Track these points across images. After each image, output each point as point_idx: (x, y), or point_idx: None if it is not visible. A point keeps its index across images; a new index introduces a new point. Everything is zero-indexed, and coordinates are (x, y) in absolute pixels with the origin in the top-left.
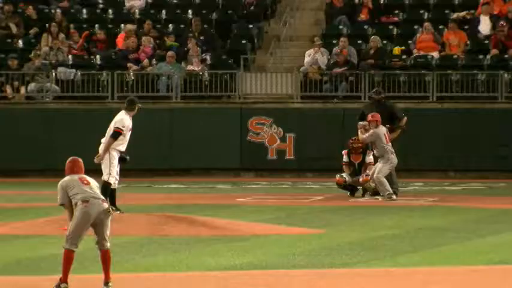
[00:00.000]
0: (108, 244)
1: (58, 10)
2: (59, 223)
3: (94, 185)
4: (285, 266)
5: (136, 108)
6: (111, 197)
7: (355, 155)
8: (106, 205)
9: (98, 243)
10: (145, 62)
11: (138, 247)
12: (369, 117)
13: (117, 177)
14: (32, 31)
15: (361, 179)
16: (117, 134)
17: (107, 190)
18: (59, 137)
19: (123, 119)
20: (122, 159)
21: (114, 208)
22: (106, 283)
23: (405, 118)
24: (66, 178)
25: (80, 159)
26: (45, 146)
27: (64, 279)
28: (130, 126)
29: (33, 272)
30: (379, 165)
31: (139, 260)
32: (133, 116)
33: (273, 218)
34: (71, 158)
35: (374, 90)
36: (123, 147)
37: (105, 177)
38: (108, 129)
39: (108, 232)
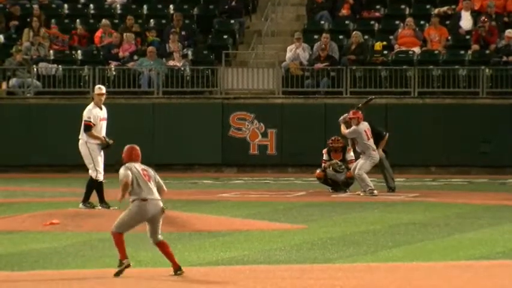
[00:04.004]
0: (160, 236)
1: (35, 6)
2: (41, 218)
3: (153, 178)
4: (267, 262)
5: (97, 95)
6: (98, 192)
7: (335, 153)
8: (161, 204)
9: (151, 236)
10: (126, 55)
11: None
12: (350, 114)
13: (101, 171)
14: (12, 23)
15: (342, 177)
16: (87, 127)
17: (93, 187)
18: (40, 132)
19: (90, 110)
20: (105, 147)
21: (105, 204)
22: (175, 270)
23: (387, 135)
24: (130, 165)
25: (137, 147)
26: (26, 142)
27: (123, 256)
28: (102, 116)
29: (15, 267)
30: (360, 161)
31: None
32: (116, 110)
33: (255, 213)
34: (128, 145)
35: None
36: (98, 140)
37: (92, 174)
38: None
39: (160, 226)
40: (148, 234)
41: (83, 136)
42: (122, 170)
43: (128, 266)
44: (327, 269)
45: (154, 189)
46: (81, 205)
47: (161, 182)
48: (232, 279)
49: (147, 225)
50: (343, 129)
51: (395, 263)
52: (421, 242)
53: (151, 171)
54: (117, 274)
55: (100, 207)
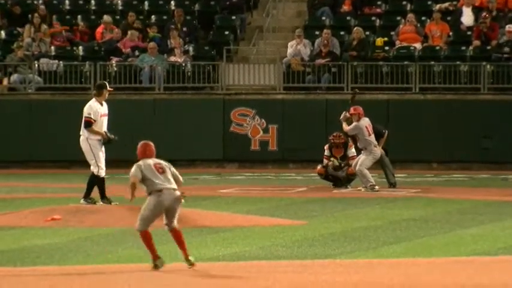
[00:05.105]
0: (176, 224)
1: (42, 6)
2: (42, 214)
3: (167, 170)
4: (268, 257)
5: (104, 92)
6: (100, 188)
7: (337, 149)
8: (178, 193)
9: (166, 224)
10: (128, 51)
11: (121, 238)
12: (351, 110)
13: (103, 167)
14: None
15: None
16: (87, 123)
17: (94, 183)
18: (41, 128)
19: (90, 106)
20: (107, 142)
21: (106, 200)
22: (186, 259)
23: (386, 133)
24: (143, 162)
25: (151, 144)
26: (27, 137)
27: (155, 256)
28: (102, 112)
29: (17, 263)
30: (362, 157)
31: (122, 251)
32: (117, 106)
33: (256, 209)
34: (142, 142)
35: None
36: (99, 136)
37: (94, 170)
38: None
39: (176, 215)
40: (164, 221)
41: (84, 132)
42: (132, 169)
43: (162, 265)
44: (328, 265)
45: (171, 179)
46: (82, 201)
47: (177, 173)
48: (234, 275)
49: (164, 213)
50: (345, 126)
51: (397, 259)
52: (422, 238)
53: (165, 164)
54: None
55: (101, 203)
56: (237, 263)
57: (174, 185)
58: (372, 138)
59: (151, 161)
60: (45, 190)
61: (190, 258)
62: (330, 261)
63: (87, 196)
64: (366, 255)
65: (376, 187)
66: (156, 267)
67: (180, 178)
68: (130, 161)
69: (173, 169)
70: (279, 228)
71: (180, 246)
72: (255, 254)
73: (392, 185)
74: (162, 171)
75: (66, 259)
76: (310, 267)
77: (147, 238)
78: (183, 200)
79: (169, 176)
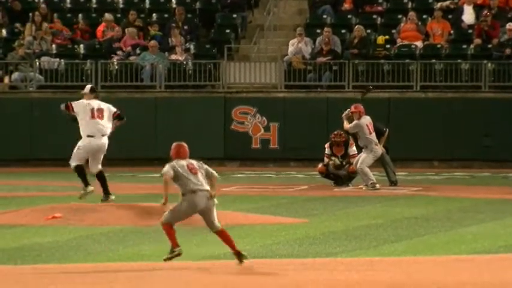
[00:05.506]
0: (218, 224)
1: (43, 5)
2: (43, 213)
3: (200, 171)
4: (269, 256)
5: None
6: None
7: (337, 148)
8: (211, 194)
9: (209, 226)
10: (129, 49)
11: (122, 237)
12: (352, 108)
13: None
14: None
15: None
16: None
17: (105, 178)
18: (42, 126)
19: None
20: (119, 118)
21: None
22: (238, 255)
23: (387, 131)
24: (176, 162)
25: (185, 145)
26: (28, 136)
27: (175, 245)
28: (89, 107)
29: (17, 261)
30: (362, 155)
31: (123, 249)
32: (117, 104)
33: (257, 207)
34: (175, 143)
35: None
36: (89, 131)
37: (99, 167)
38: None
39: (215, 215)
40: (206, 225)
41: (107, 130)
42: (165, 167)
43: (179, 254)
44: (329, 264)
45: (203, 181)
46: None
47: (210, 170)
48: (234, 274)
49: (201, 216)
50: (346, 124)
51: (398, 257)
52: (423, 236)
53: (197, 164)
54: (167, 259)
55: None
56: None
57: (207, 187)
58: (373, 136)
59: (185, 162)
60: (45, 188)
61: (243, 253)
62: (331, 259)
63: (107, 192)
64: (367, 253)
65: (377, 185)
66: (173, 253)
67: (215, 174)
68: (132, 159)
69: (206, 167)
70: (280, 226)
71: (228, 245)
72: (256, 253)
73: (393, 183)
74: (195, 172)
75: (66, 257)
76: (311, 265)
77: (170, 231)
78: (216, 201)
79: (202, 178)
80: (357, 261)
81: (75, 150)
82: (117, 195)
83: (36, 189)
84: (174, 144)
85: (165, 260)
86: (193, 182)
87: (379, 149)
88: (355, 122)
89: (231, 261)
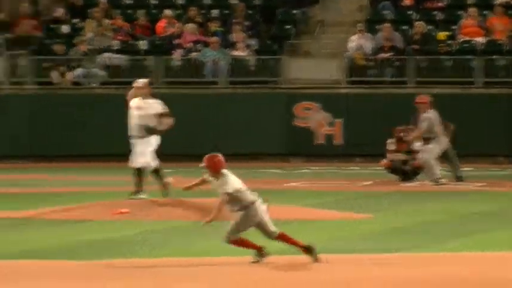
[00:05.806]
0: (275, 229)
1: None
2: (110, 207)
3: None
4: (334, 251)
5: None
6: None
7: (401, 143)
8: (265, 205)
9: (267, 236)
10: (189, 45)
11: (186, 231)
12: (417, 99)
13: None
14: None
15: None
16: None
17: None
18: (107, 121)
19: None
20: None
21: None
22: (304, 249)
23: (452, 127)
24: (231, 177)
25: (220, 155)
26: (93, 131)
27: (258, 248)
28: (134, 105)
29: (86, 256)
30: (429, 146)
31: (187, 244)
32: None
33: (321, 202)
34: (211, 155)
35: None
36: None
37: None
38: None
39: (270, 223)
40: (264, 235)
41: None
42: (235, 185)
43: (266, 255)
44: (392, 259)
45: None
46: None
47: None
48: (299, 268)
49: (258, 227)
50: (416, 134)
51: (463, 253)
52: (489, 232)
53: None
54: (254, 262)
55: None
56: (297, 257)
57: (258, 197)
58: (439, 129)
59: (230, 172)
60: (101, 183)
61: (311, 246)
62: (393, 255)
63: (139, 190)
64: (431, 249)
65: (443, 180)
66: (261, 255)
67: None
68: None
69: None
70: (345, 222)
71: (294, 245)
72: (318, 247)
73: (459, 178)
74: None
75: (133, 252)
76: (376, 260)
77: (242, 242)
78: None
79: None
80: (421, 256)
81: (148, 149)
82: (182, 190)
83: (93, 184)
84: (211, 156)
85: (252, 262)
86: (249, 192)
87: (445, 141)
88: (423, 116)
89: (295, 256)
